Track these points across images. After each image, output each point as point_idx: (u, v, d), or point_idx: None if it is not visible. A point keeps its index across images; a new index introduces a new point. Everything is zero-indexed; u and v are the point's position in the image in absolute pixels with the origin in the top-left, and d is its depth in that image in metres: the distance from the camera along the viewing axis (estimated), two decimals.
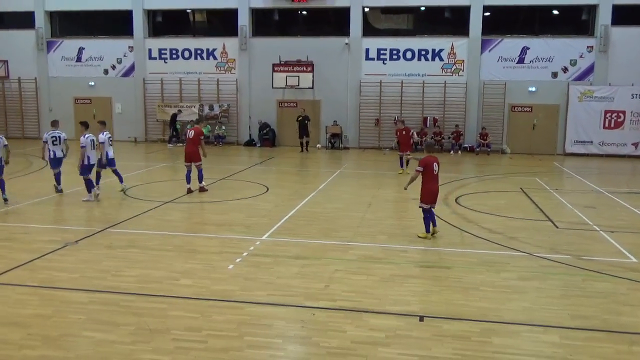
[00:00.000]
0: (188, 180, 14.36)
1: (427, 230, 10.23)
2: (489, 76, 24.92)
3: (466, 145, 25.09)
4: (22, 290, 7.46)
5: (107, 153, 14.12)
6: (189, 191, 14.23)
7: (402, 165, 18.15)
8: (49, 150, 14.10)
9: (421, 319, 6.68)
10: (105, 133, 14.26)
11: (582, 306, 7.18)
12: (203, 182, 14.56)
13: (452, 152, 24.71)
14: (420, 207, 10.28)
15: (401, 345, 6.02)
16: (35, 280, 7.84)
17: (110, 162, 14.33)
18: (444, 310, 6.95)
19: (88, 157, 13.53)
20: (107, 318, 6.59)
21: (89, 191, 13.38)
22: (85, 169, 13.40)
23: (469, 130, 25.28)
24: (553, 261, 9.04)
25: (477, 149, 24.62)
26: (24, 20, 28.06)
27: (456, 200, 14.00)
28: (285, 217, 11.87)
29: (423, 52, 25.39)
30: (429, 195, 10.13)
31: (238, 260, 8.85)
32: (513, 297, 7.49)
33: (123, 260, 8.80)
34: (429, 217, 10.21)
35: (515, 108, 25.05)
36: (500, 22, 25.34)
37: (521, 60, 24.71)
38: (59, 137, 14.44)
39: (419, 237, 10.24)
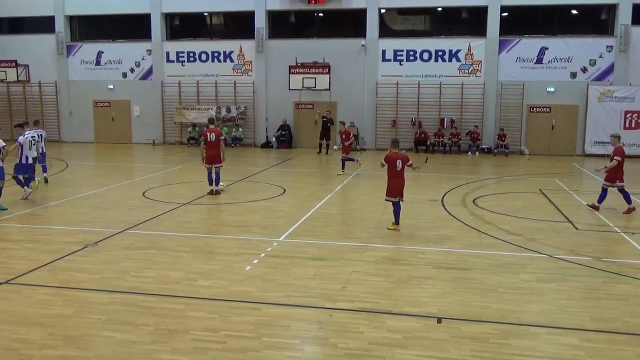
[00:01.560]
0: (210, 182, 14.44)
1: (397, 222, 10.90)
2: (507, 77, 24.74)
3: (484, 146, 24.92)
4: (44, 291, 7.56)
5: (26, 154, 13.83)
6: (211, 192, 14.31)
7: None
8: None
9: (439, 320, 6.65)
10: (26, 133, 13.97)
11: (603, 308, 7.10)
12: (220, 184, 14.64)
13: (469, 153, 24.57)
14: (385, 199, 11.05)
15: (419, 346, 6.00)
16: (57, 281, 7.95)
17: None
18: (462, 312, 6.92)
19: (26, 157, 13.66)
20: (127, 318, 6.66)
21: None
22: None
23: (487, 131, 25.11)
24: (573, 263, 8.95)
25: (495, 150, 24.45)
26: (44, 25, 28.46)
27: (474, 201, 13.92)
28: (302, 218, 11.90)
29: (440, 53, 25.29)
30: (391, 189, 10.88)
31: (255, 261, 8.89)
32: (532, 299, 7.42)
33: (142, 261, 8.89)
34: (397, 210, 10.88)
35: (534, 109, 24.83)
36: (518, 22, 25.15)
37: (539, 61, 24.49)
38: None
39: (389, 229, 10.86)
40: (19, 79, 28.42)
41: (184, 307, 7.01)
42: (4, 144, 12.56)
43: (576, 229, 11.24)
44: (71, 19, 28.77)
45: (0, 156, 12.51)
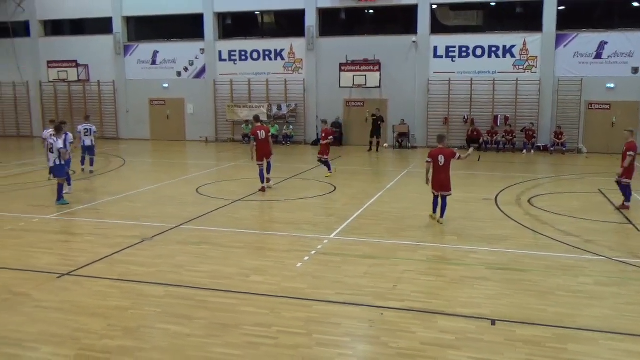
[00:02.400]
0: (262, 179, 14.61)
1: (434, 211, 11.33)
2: (564, 72, 23.98)
3: (539, 144, 24.24)
4: (103, 283, 7.83)
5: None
6: (262, 190, 14.48)
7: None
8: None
9: (493, 322, 6.52)
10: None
11: None
12: (270, 177, 14.92)
13: (524, 151, 23.94)
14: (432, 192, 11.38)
15: (472, 348, 5.90)
16: (115, 273, 8.22)
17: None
18: (517, 314, 6.76)
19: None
20: (182, 311, 6.81)
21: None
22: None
23: (543, 128, 24.42)
24: (634, 266, 8.60)
25: (552, 149, 23.74)
26: (103, 26, 29.43)
27: (529, 201, 13.57)
28: (352, 216, 11.89)
29: (494, 49, 24.74)
30: (434, 183, 11.20)
31: (306, 258, 8.94)
32: (591, 302, 7.18)
33: (196, 256, 9.08)
34: (435, 201, 11.28)
35: (593, 105, 23.98)
36: (576, 16, 24.32)
37: (598, 56, 23.63)
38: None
39: (430, 216, 11.42)
40: (79, 78, 29.48)
41: (237, 302, 7.12)
42: (60, 145, 13.04)
43: (638, 230, 10.80)
44: (128, 20, 29.63)
45: (65, 149, 13.03)
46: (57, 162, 13.00)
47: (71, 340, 6.07)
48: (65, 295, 7.37)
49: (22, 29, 30.99)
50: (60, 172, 13.06)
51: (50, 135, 13.52)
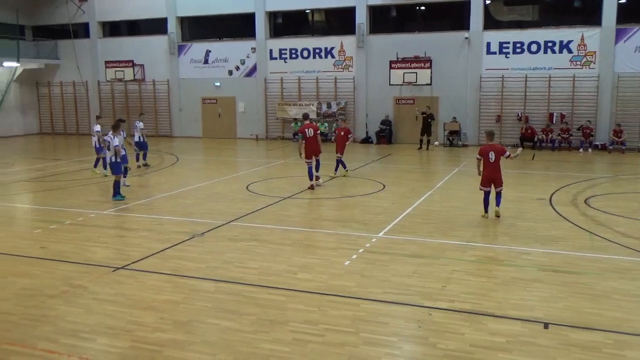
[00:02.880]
0: (311, 177, 14.69)
1: (486, 211, 11.37)
2: (624, 68, 23.04)
3: (597, 142, 23.39)
4: (156, 277, 8.05)
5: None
6: (311, 187, 14.55)
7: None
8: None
9: (546, 326, 6.34)
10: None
11: None
12: (319, 174, 15.04)
13: (581, 150, 23.13)
14: (479, 189, 11.44)
15: (523, 352, 5.75)
16: (167, 268, 8.43)
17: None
18: (571, 318, 6.55)
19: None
20: (231, 307, 6.92)
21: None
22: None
23: (601, 126, 23.54)
24: None
25: (610, 147, 22.86)
26: (157, 26, 30.18)
27: (585, 201, 13.12)
28: (401, 214, 11.79)
29: (549, 45, 24.01)
30: (483, 180, 11.25)
31: (354, 256, 8.92)
32: None
33: (245, 253, 9.21)
34: (486, 200, 11.33)
35: None
36: (637, 10, 23.30)
37: None
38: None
39: (482, 216, 11.41)
40: (135, 77, 30.36)
41: (285, 299, 7.18)
42: (117, 143, 13.43)
43: None
44: (182, 20, 30.28)
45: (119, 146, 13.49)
46: (113, 160, 13.42)
47: (125, 332, 6.27)
48: (120, 288, 7.62)
49: (82, 31, 32.14)
50: (117, 169, 13.47)
51: (108, 133, 13.91)
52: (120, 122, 14.27)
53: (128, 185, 14.97)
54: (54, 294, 7.38)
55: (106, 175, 16.15)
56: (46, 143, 29.17)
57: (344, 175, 16.52)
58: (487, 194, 11.33)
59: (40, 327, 6.41)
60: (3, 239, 10.20)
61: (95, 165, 17.55)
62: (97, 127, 17.82)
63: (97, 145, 17.22)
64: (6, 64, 29.64)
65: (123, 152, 14.00)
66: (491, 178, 11.19)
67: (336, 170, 16.65)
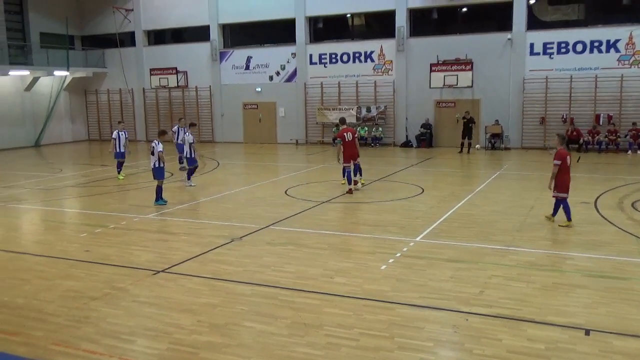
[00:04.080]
0: (349, 181, 14.68)
1: (569, 219, 10.79)
2: None
3: None
4: (194, 280, 8.19)
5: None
6: (350, 191, 14.53)
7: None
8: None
9: (587, 332, 6.16)
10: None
11: None
12: (357, 179, 15.01)
13: (629, 152, 22.39)
14: (554, 196, 10.94)
15: (562, 359, 5.61)
16: (206, 271, 8.57)
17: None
18: (614, 324, 6.34)
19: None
20: (267, 310, 6.99)
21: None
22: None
23: None
24: None
25: None
26: (200, 34, 30.78)
27: (633, 205, 12.69)
28: (440, 219, 11.66)
29: (596, 44, 23.35)
30: (566, 187, 10.85)
31: (391, 260, 8.88)
32: None
33: (282, 257, 9.27)
34: (567, 206, 10.83)
35: None
36: None
37: None
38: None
39: (560, 226, 10.77)
40: (179, 84, 31.02)
41: (320, 303, 7.19)
42: (160, 148, 13.69)
43: None
44: (224, 28, 30.78)
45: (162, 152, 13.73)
46: (157, 165, 13.72)
47: (163, 334, 6.40)
48: (159, 291, 7.79)
49: (128, 39, 33.06)
50: (159, 175, 13.75)
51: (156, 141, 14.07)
52: (164, 130, 14.49)
53: (194, 185, 16.00)
54: (96, 296, 7.60)
55: (120, 179, 17.67)
56: (94, 149, 30.09)
57: (363, 184, 15.62)
58: (565, 201, 10.87)
59: (83, 328, 6.61)
60: (52, 243, 10.57)
61: (120, 171, 18.22)
62: (125, 132, 18.50)
63: (124, 150, 18.15)
64: (57, 72, 30.74)
65: (189, 154, 15.61)
66: (569, 184, 10.88)
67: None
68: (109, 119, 33.78)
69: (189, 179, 16.25)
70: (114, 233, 11.16)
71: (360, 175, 15.69)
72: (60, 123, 33.17)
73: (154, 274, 8.50)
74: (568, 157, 10.88)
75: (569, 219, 10.78)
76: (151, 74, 31.30)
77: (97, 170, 20.76)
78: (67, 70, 30.86)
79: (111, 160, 19.33)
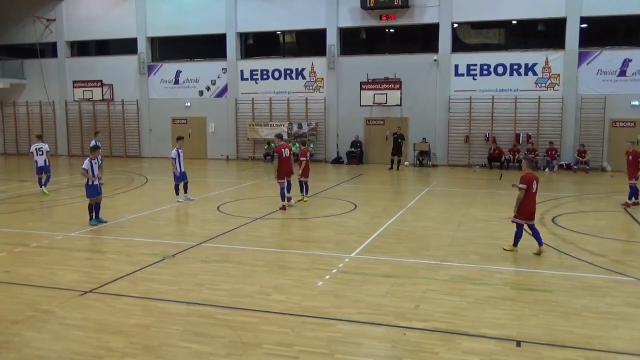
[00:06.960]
0: (283, 197, 14.62)
1: (515, 244, 10.40)
2: (587, 90, 23.73)
3: (562, 162, 23.94)
4: (125, 300, 7.86)
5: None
6: (283, 208, 14.47)
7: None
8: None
9: (518, 344, 6.38)
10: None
11: None
12: (290, 195, 15.09)
13: (546, 169, 23.64)
14: (516, 221, 10.34)
15: None
16: (137, 291, 8.24)
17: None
18: (543, 335, 6.61)
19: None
20: (203, 330, 6.79)
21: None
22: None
23: (566, 146, 24.14)
24: None
25: (575, 167, 23.42)
26: (127, 46, 29.98)
27: (553, 220, 13.36)
28: (374, 234, 11.81)
29: (515, 67, 24.62)
30: (529, 213, 10.28)
31: (327, 277, 8.88)
32: (620, 324, 6.99)
33: (217, 274, 9.08)
34: (519, 233, 10.35)
35: (617, 123, 23.65)
36: (599, 34, 24.11)
37: (622, 73, 23.35)
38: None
39: (504, 249, 10.47)
40: (104, 97, 30.01)
41: (258, 321, 7.08)
42: (83, 166, 12.88)
43: None
44: (152, 41, 30.12)
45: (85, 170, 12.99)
46: (88, 182, 12.95)
47: (93, 357, 6.08)
48: (88, 312, 7.41)
49: (49, 50, 31.72)
50: (89, 193, 12.97)
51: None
52: (96, 148, 13.69)
53: (192, 199, 15.76)
54: (18, 319, 7.14)
55: (45, 194, 16.97)
56: (10, 164, 28.50)
57: (305, 200, 15.87)
58: (521, 228, 10.30)
59: (4, 354, 6.17)
60: None
61: (44, 185, 17.35)
62: (46, 146, 17.63)
63: (45, 164, 17.33)
64: None
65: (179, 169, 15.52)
66: (533, 211, 10.27)
67: (307, 192, 16.12)
68: (28, 132, 32.10)
69: (185, 192, 15.96)
70: (35, 252, 10.55)
71: (306, 193, 16.04)
72: None
73: (81, 294, 8.09)
74: (535, 181, 10.21)
75: (515, 244, 10.37)
76: (74, 87, 30.10)
77: (15, 186, 19.64)
78: None
79: (31, 176, 18.35)
